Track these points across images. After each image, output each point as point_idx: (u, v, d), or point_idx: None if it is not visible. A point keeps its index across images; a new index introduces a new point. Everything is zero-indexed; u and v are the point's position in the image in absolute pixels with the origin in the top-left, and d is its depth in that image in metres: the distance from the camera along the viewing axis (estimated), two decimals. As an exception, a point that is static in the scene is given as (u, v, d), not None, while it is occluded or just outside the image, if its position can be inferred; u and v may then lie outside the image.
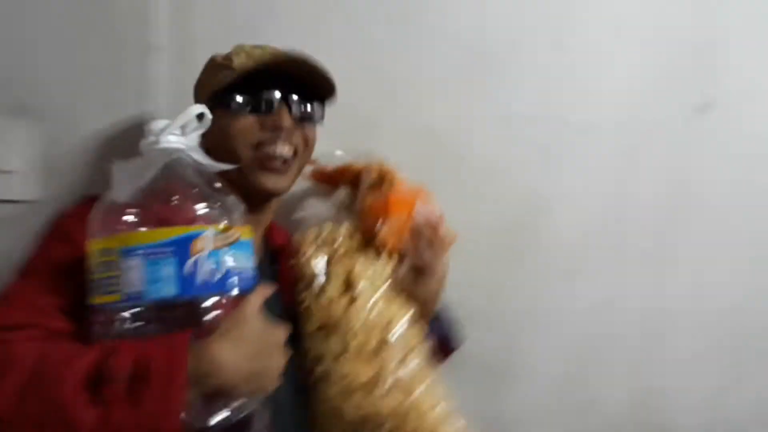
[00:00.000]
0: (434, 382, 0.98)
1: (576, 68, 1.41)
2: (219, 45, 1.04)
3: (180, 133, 0.81)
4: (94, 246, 0.77)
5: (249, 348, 0.75)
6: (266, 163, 0.97)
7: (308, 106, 1.01)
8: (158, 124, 0.80)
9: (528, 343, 1.46)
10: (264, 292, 0.82)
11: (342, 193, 1.11)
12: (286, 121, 0.97)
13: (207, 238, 0.75)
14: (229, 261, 0.77)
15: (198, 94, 1.04)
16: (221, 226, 0.78)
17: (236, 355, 0.74)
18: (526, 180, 1.41)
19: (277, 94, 0.97)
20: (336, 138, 1.11)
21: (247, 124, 0.97)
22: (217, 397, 0.73)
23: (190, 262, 0.73)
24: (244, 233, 0.81)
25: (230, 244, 0.77)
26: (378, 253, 1.01)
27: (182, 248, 0.73)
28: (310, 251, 1.00)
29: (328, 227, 1.04)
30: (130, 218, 0.77)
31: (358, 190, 1.07)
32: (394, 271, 1.02)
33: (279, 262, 1.06)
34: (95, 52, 1.16)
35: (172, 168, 0.80)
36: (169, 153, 0.80)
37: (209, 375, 0.72)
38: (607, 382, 1.55)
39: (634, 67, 1.44)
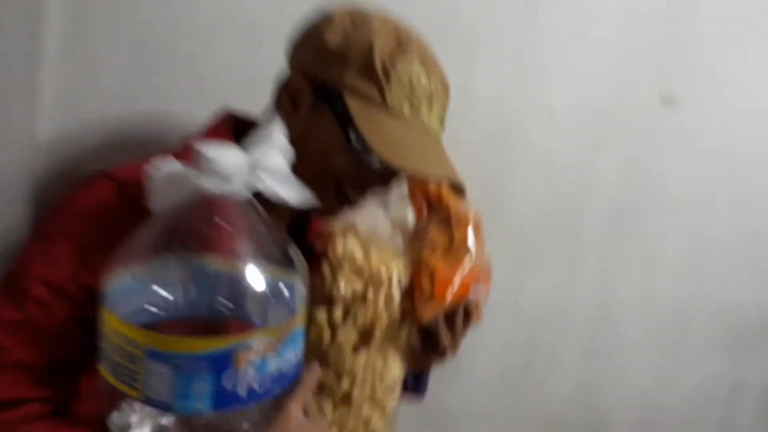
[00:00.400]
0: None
1: (542, 51, 1.30)
2: None
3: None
4: (113, 324, 0.57)
5: None
6: (340, 197, 0.80)
7: None
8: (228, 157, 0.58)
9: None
10: (309, 384, 0.68)
11: (408, 215, 0.91)
12: (383, 190, 0.82)
13: (256, 349, 0.57)
14: (277, 362, 0.60)
15: (299, 56, 0.80)
16: (275, 327, 0.60)
17: None
18: (480, 163, 1.30)
19: None
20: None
21: (348, 163, 0.77)
22: None
23: (230, 376, 0.56)
24: (297, 322, 0.64)
25: (280, 345, 0.60)
26: (404, 315, 0.87)
27: (222, 362, 0.56)
28: (346, 269, 0.83)
29: (376, 256, 0.85)
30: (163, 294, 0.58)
31: (429, 217, 0.90)
32: (410, 336, 0.88)
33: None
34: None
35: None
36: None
37: None
38: (552, 375, 1.54)
39: (604, 54, 1.35)
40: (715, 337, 1.65)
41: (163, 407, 0.56)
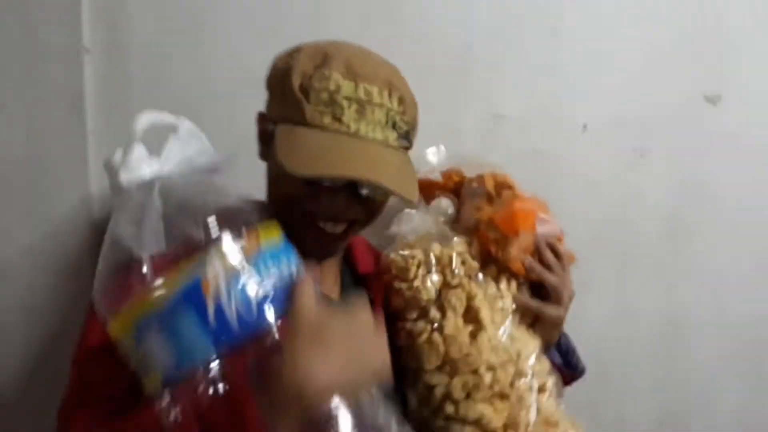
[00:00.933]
0: (565, 415, 0.89)
1: (568, 68, 1.28)
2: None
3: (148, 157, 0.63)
4: (113, 330, 0.60)
5: (332, 351, 0.58)
6: (315, 232, 0.81)
7: (385, 190, 0.81)
8: (118, 156, 0.63)
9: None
10: (308, 279, 0.63)
11: (442, 203, 0.96)
12: (348, 211, 0.81)
13: (214, 269, 0.57)
14: (258, 284, 0.59)
15: (270, 97, 0.86)
16: (226, 244, 0.59)
17: (322, 368, 0.56)
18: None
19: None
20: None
21: (296, 188, 0.79)
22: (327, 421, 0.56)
23: (210, 310, 0.56)
24: (265, 234, 0.63)
25: (251, 262, 0.59)
26: (499, 275, 0.89)
27: (193, 298, 0.56)
28: (421, 274, 0.86)
29: (436, 246, 0.88)
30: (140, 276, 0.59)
31: (462, 200, 0.94)
32: (519, 295, 0.90)
33: (369, 288, 0.92)
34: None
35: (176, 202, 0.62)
36: (147, 186, 0.61)
37: (302, 405, 0.55)
38: (631, 406, 1.45)
39: (634, 64, 1.31)
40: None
41: (177, 371, 0.56)
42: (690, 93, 1.35)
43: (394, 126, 0.80)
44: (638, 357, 1.44)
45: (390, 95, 0.80)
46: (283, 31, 1.10)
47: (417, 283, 0.86)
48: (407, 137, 0.83)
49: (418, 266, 0.87)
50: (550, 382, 0.88)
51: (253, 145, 1.10)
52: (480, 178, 0.94)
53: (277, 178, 0.82)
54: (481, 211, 0.90)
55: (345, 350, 0.58)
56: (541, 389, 0.85)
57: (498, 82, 1.25)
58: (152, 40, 1.06)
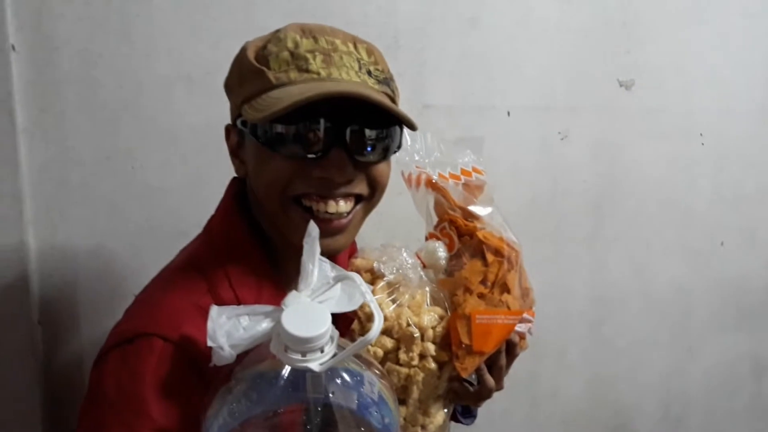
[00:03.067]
0: None
1: (491, 59, 1.34)
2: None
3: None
4: None
5: None
6: (319, 224, 0.69)
7: (377, 139, 0.72)
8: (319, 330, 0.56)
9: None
10: None
11: (430, 247, 0.83)
12: (341, 173, 0.70)
13: None
14: None
15: (230, 98, 0.77)
16: None
17: None
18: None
19: (329, 125, 0.69)
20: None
21: (280, 169, 0.70)
22: None
23: None
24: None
25: None
26: (444, 365, 0.79)
27: None
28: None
29: (407, 315, 0.77)
30: None
31: (460, 251, 0.82)
32: (455, 387, 0.81)
33: None
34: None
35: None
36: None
37: None
38: (565, 372, 1.53)
39: (553, 48, 1.38)
40: (721, 312, 1.62)
41: None
42: (605, 78, 1.42)
43: (369, 73, 0.71)
44: (570, 330, 1.52)
45: (356, 47, 0.72)
46: (214, 26, 1.13)
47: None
48: (388, 85, 0.73)
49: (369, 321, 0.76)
50: None
51: (189, 136, 1.12)
52: (493, 249, 0.80)
53: (260, 171, 0.72)
54: (468, 290, 0.79)
55: None
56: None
57: (424, 72, 1.29)
58: (81, 38, 1.07)
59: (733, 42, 1.48)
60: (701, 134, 1.51)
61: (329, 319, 0.57)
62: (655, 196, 1.51)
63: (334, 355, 0.56)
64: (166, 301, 0.71)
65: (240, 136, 0.75)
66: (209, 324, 0.59)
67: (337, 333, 0.58)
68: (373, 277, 0.79)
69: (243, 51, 0.73)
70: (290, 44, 0.69)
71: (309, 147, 0.69)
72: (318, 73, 0.68)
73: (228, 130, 0.77)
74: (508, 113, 1.37)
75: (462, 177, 0.88)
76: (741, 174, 1.55)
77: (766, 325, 1.66)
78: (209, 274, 0.73)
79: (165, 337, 0.66)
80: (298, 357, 0.55)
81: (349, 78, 0.69)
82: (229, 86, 0.76)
